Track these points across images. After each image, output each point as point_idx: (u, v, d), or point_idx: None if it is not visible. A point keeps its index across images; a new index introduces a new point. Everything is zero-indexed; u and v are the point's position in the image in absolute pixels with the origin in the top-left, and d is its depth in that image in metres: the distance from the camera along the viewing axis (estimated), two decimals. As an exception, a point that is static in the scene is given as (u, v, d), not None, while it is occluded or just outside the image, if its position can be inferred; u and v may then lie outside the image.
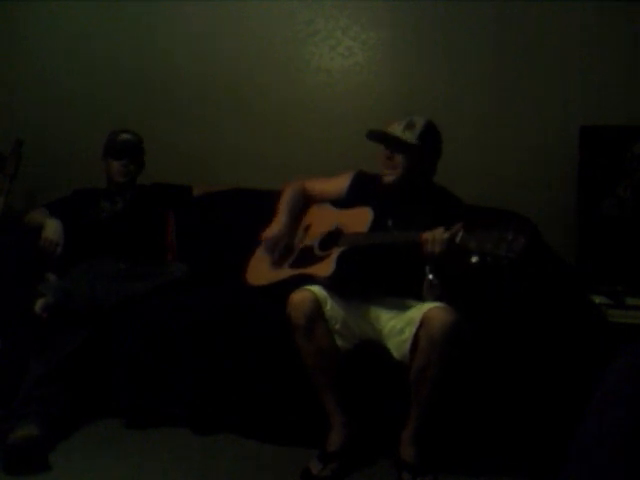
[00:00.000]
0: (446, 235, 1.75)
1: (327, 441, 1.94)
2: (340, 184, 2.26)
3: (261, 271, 2.23)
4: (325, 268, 2.00)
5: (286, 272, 2.14)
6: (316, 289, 1.93)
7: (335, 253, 2.01)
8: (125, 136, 2.60)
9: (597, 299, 2.32)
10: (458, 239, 1.71)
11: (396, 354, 1.93)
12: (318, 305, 1.90)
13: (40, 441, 1.92)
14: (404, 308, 1.96)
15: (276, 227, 2.20)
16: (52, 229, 2.37)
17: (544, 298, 2.07)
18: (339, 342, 1.94)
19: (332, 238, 2.10)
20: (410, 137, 2.02)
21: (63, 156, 3.16)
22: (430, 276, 1.86)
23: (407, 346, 1.86)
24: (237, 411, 2.17)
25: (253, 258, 2.32)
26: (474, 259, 1.66)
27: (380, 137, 2.07)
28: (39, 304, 2.08)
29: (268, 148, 3.03)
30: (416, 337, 1.83)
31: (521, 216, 2.51)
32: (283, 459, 2.02)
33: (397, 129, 2.04)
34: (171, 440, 2.14)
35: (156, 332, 2.20)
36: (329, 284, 1.97)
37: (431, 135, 2.07)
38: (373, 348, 2.00)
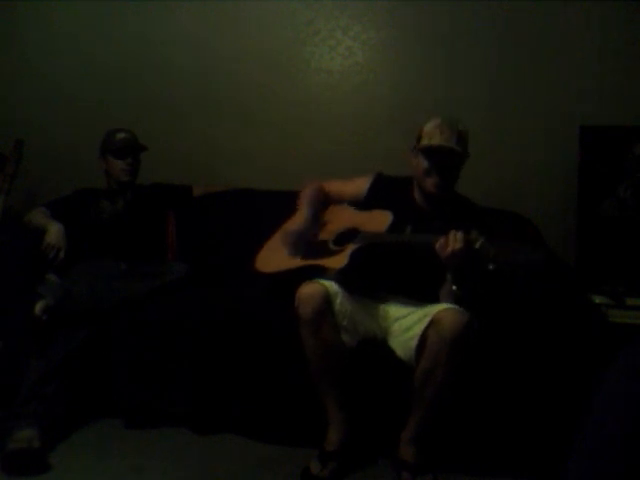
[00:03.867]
0: (459, 235, 1.76)
1: (326, 440, 1.94)
2: (359, 186, 2.23)
3: (272, 260, 2.23)
4: (338, 261, 2.00)
5: (298, 262, 2.13)
6: (327, 283, 1.92)
7: (350, 248, 2.02)
8: (125, 135, 2.60)
9: (597, 299, 2.33)
10: (478, 245, 1.73)
11: (401, 353, 1.93)
12: (328, 300, 1.88)
13: (40, 448, 1.91)
14: (414, 308, 1.97)
15: (299, 221, 2.18)
16: (55, 234, 2.38)
17: (545, 298, 2.07)
18: (344, 338, 1.93)
19: (348, 235, 2.09)
20: (463, 149, 2.01)
21: (63, 156, 3.16)
22: (454, 287, 1.87)
23: (413, 344, 1.85)
24: (237, 411, 2.17)
25: (265, 247, 2.31)
26: (491, 266, 1.68)
27: (446, 154, 1.98)
28: (39, 306, 2.07)
29: (268, 148, 3.03)
30: (424, 337, 1.83)
31: (521, 217, 2.52)
32: (283, 459, 2.02)
33: (451, 141, 1.97)
34: (171, 440, 2.14)
35: (156, 332, 2.20)
36: (340, 278, 1.96)
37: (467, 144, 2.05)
38: (375, 347, 2.00)
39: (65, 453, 2.01)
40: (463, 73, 2.86)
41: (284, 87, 3.01)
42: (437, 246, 1.80)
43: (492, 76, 2.84)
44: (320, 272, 2.00)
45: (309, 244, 2.17)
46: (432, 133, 2.00)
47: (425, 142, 2.01)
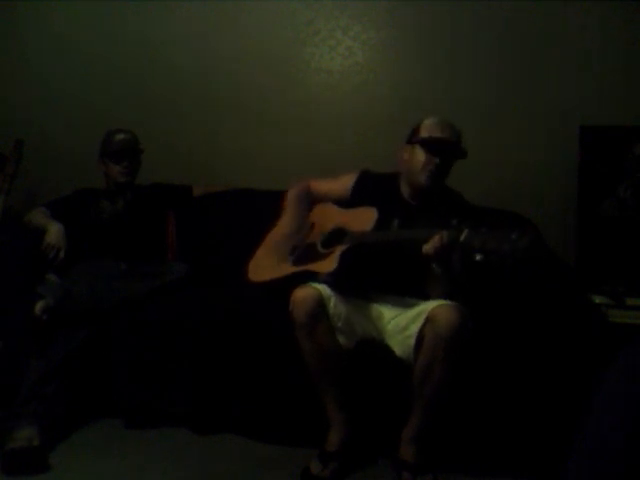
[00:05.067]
0: (446, 239, 1.75)
1: (326, 440, 1.94)
2: (344, 184, 2.24)
3: (263, 268, 2.23)
4: (328, 264, 2.00)
5: (288, 269, 2.14)
6: (320, 287, 1.92)
7: (338, 250, 2.02)
8: (121, 136, 2.60)
9: (597, 299, 2.33)
10: (463, 237, 1.72)
11: (399, 351, 1.93)
12: (321, 303, 1.89)
13: (40, 446, 1.91)
14: (408, 306, 1.97)
15: (284, 225, 2.20)
16: (55, 234, 2.38)
17: (544, 298, 2.07)
18: (341, 340, 1.93)
19: (336, 236, 2.10)
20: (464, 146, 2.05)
21: (63, 156, 3.16)
22: (435, 267, 1.87)
23: (411, 342, 1.86)
24: (237, 411, 2.17)
25: (255, 257, 2.31)
26: (478, 257, 1.67)
27: (452, 146, 2.03)
28: (39, 306, 2.08)
29: (268, 148, 3.03)
30: (421, 334, 1.83)
31: (521, 217, 2.52)
32: (283, 459, 2.02)
33: (453, 137, 2.03)
34: (171, 440, 2.14)
35: (156, 332, 2.20)
36: (331, 280, 1.97)
37: None
38: (374, 347, 2.00)
39: (65, 453, 2.01)
40: (463, 73, 2.86)
41: (284, 87, 3.01)
42: (424, 251, 1.79)
43: (492, 76, 2.84)
44: (311, 277, 2.00)
45: (297, 248, 2.18)
46: (433, 127, 2.03)
47: (426, 135, 2.02)
